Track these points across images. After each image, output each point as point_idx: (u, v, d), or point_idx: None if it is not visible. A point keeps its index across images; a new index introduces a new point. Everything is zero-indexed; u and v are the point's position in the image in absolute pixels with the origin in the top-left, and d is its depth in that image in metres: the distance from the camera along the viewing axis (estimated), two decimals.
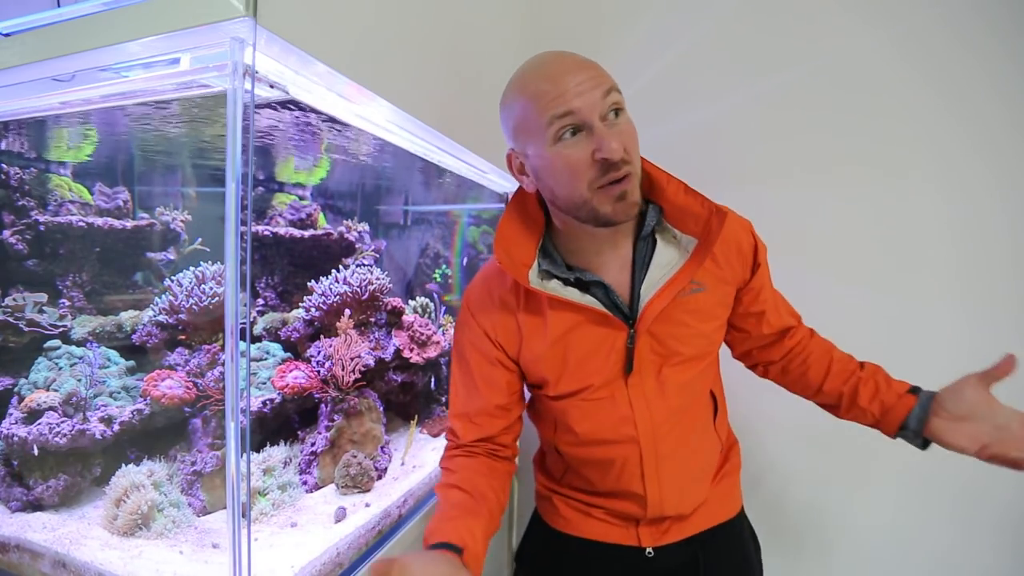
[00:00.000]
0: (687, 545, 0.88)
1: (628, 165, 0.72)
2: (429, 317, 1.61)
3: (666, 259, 0.81)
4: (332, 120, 0.96)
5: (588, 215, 0.76)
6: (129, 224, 1.39)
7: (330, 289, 1.32)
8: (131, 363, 1.20)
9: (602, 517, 0.91)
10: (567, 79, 0.70)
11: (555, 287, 0.81)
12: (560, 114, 0.70)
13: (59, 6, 0.71)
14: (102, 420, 1.00)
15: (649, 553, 0.89)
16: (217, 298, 1.15)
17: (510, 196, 0.87)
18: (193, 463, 0.99)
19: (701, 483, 0.89)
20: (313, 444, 1.12)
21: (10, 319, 1.15)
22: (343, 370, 1.15)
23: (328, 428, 1.12)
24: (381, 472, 1.13)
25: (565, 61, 0.72)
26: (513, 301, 0.84)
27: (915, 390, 0.84)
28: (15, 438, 0.95)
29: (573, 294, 0.81)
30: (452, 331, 1.63)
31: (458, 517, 0.77)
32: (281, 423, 1.18)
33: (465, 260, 2.16)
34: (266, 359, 1.26)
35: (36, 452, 0.94)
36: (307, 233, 1.55)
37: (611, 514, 0.91)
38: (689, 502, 0.88)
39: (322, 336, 1.28)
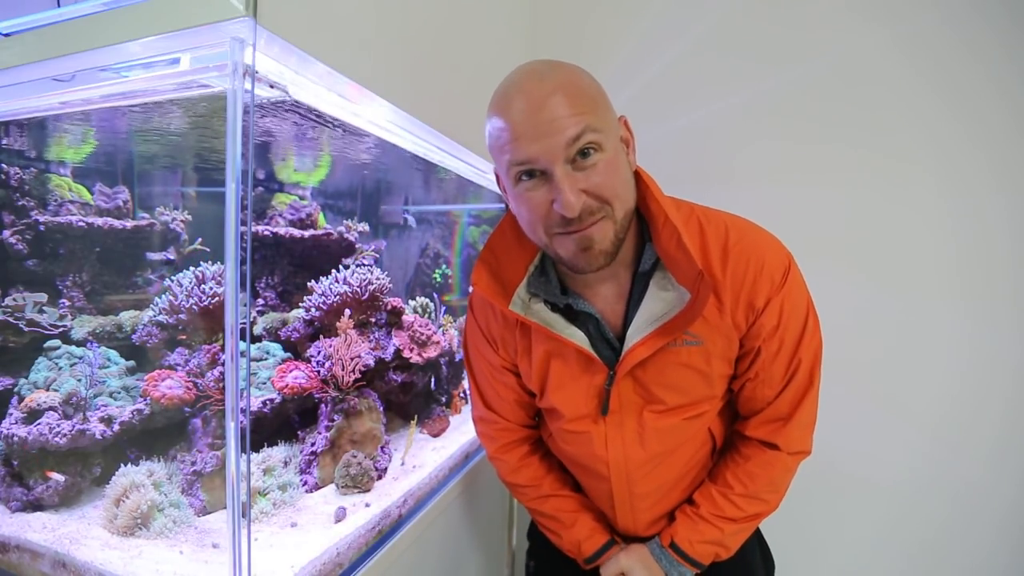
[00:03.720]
0: None
1: (596, 213, 0.65)
2: (429, 317, 1.61)
3: (658, 305, 0.73)
4: (332, 120, 0.96)
5: (556, 258, 0.72)
6: (129, 224, 1.39)
7: (330, 289, 1.32)
8: (131, 363, 1.20)
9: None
10: (528, 120, 0.62)
11: (539, 311, 0.78)
12: (519, 160, 0.64)
13: (59, 6, 0.71)
14: (102, 420, 1.00)
15: None
16: (217, 298, 1.15)
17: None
18: (193, 463, 0.99)
19: None
20: (313, 444, 1.12)
21: (10, 319, 1.15)
22: (343, 370, 1.15)
23: (328, 428, 1.12)
24: (381, 472, 1.13)
25: (533, 92, 0.63)
26: (511, 314, 0.82)
27: (673, 546, 0.83)
28: (15, 438, 0.95)
29: (557, 323, 0.77)
30: (452, 331, 1.63)
31: (585, 520, 0.90)
32: (281, 423, 1.18)
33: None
34: (266, 359, 1.26)
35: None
36: (307, 233, 1.55)
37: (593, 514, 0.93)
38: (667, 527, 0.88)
39: (322, 336, 1.28)
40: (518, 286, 0.78)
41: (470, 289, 0.90)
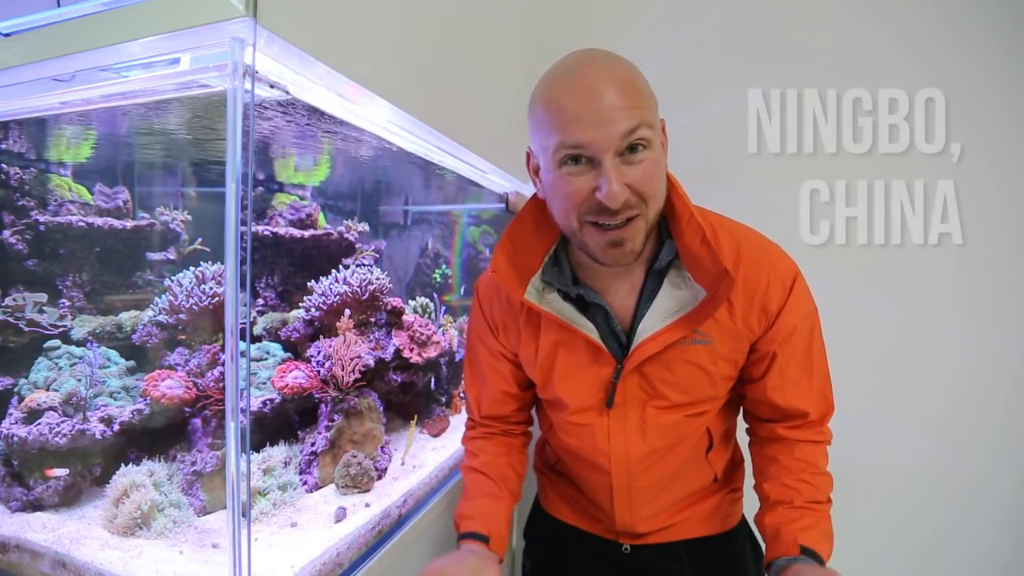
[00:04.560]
0: (668, 547, 0.88)
1: (633, 208, 0.66)
2: (429, 317, 1.61)
3: (670, 302, 0.75)
4: (332, 120, 0.96)
5: (580, 246, 0.73)
6: (129, 224, 1.39)
7: (330, 289, 1.32)
8: (131, 363, 1.20)
9: (581, 508, 0.94)
10: (586, 105, 0.62)
11: (553, 300, 0.79)
12: (570, 143, 0.64)
13: (59, 6, 0.71)
14: (102, 420, 1.00)
15: (626, 549, 0.90)
16: (217, 298, 1.15)
17: (509, 196, 0.87)
18: (193, 463, 0.99)
19: (681, 506, 0.88)
20: (313, 444, 1.12)
21: (10, 319, 1.15)
22: (343, 370, 1.15)
23: (328, 428, 1.12)
24: (381, 472, 1.13)
25: (593, 79, 0.63)
26: (517, 301, 0.83)
27: (804, 550, 0.74)
28: (15, 438, 0.95)
29: (569, 313, 0.78)
30: (452, 331, 1.63)
31: (484, 504, 0.84)
32: (281, 423, 1.18)
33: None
34: (266, 359, 1.26)
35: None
36: (307, 233, 1.55)
37: (588, 511, 0.93)
38: (664, 522, 0.88)
39: (322, 336, 1.28)
40: (533, 275, 0.79)
41: (473, 292, 0.90)
